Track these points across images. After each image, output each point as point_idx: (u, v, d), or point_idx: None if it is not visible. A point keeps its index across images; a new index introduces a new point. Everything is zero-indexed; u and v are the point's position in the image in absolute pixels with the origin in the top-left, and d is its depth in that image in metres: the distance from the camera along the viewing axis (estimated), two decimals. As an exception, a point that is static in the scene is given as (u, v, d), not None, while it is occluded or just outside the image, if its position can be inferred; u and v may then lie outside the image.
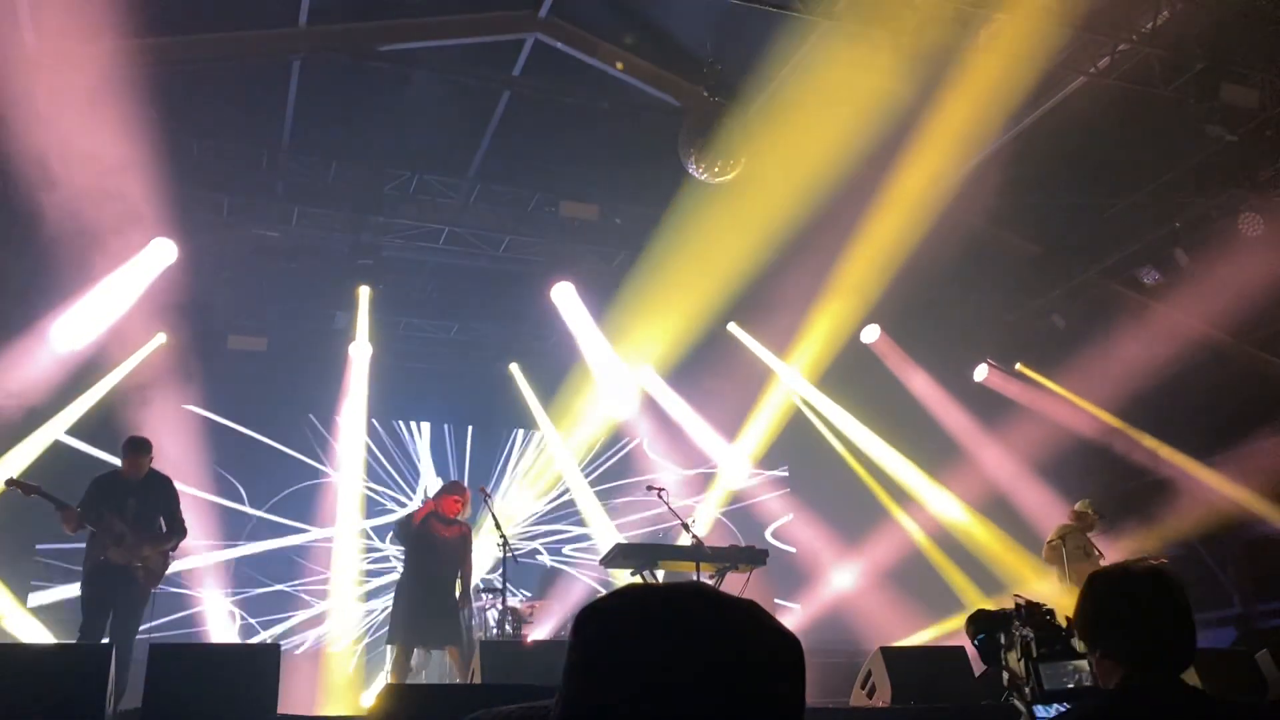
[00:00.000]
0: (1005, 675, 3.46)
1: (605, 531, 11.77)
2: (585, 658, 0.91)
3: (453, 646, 6.96)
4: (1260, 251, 8.00)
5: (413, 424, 12.20)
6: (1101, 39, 7.63)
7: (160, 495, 6.66)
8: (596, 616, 0.92)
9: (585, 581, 11.87)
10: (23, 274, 9.11)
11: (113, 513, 6.37)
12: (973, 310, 11.16)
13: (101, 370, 9.74)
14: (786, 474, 13.27)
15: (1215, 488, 9.07)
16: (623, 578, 8.78)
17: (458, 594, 7.07)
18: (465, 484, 7.86)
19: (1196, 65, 7.60)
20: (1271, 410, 8.55)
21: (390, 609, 7.19)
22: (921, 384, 11.38)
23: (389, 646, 7.06)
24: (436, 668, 7.67)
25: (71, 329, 9.14)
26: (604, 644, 0.90)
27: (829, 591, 11.69)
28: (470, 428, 12.45)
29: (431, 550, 7.05)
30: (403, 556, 7.36)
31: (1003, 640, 3.42)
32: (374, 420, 11.57)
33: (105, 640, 6.11)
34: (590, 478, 12.38)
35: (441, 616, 6.91)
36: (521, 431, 12.55)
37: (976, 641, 3.46)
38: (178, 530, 6.67)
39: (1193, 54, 7.59)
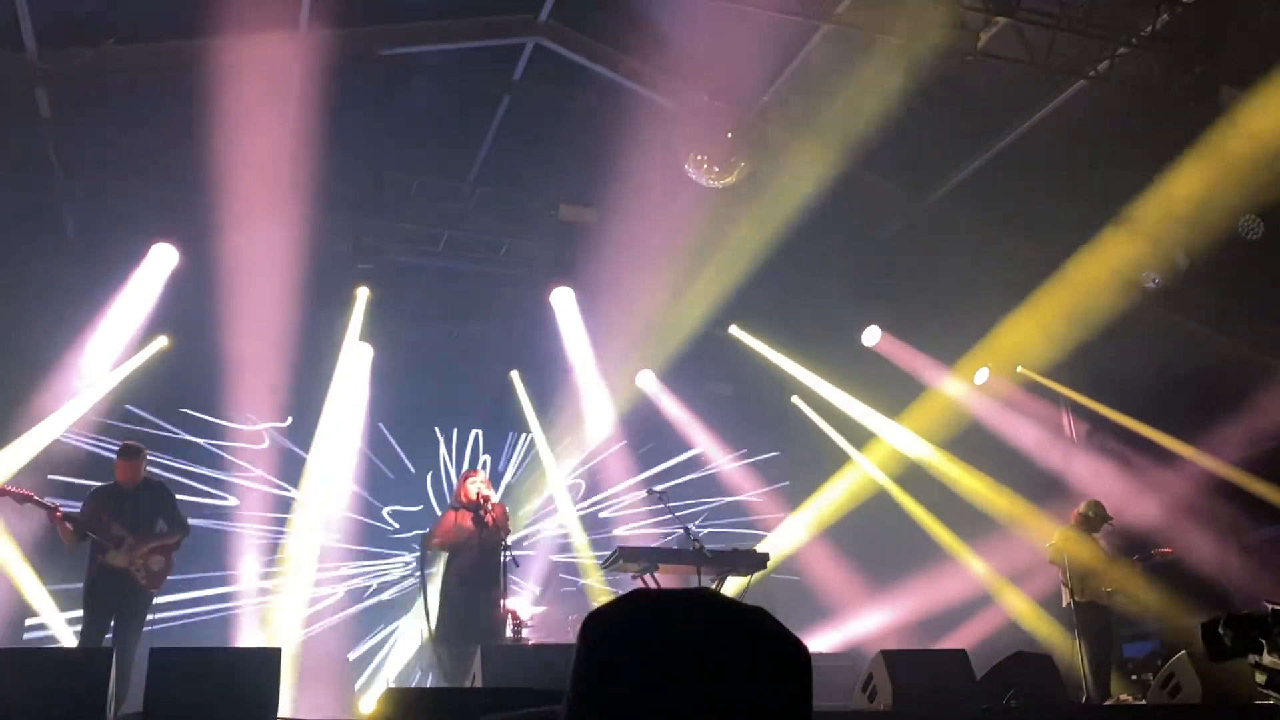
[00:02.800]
0: (1262, 675, 3.71)
1: (598, 535, 11.78)
2: (592, 662, 0.91)
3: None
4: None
5: (415, 427, 12.19)
6: (1101, 41, 7.64)
7: (157, 501, 6.74)
8: (603, 621, 0.93)
9: (585, 584, 11.87)
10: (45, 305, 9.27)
11: (112, 518, 6.42)
12: (973, 312, 11.15)
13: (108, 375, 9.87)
14: (787, 485, 13.25)
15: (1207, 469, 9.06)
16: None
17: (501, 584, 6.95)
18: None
19: (1196, 68, 7.61)
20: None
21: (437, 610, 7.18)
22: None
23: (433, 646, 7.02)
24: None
25: (96, 355, 9.31)
26: (610, 648, 0.90)
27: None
28: (472, 432, 12.45)
29: (460, 547, 7.05)
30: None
31: (1264, 642, 3.68)
32: (375, 424, 11.58)
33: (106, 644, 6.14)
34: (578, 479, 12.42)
35: (476, 611, 6.88)
36: (522, 435, 12.56)
37: (1229, 641, 3.70)
38: (179, 529, 6.73)
39: (1192, 57, 7.60)
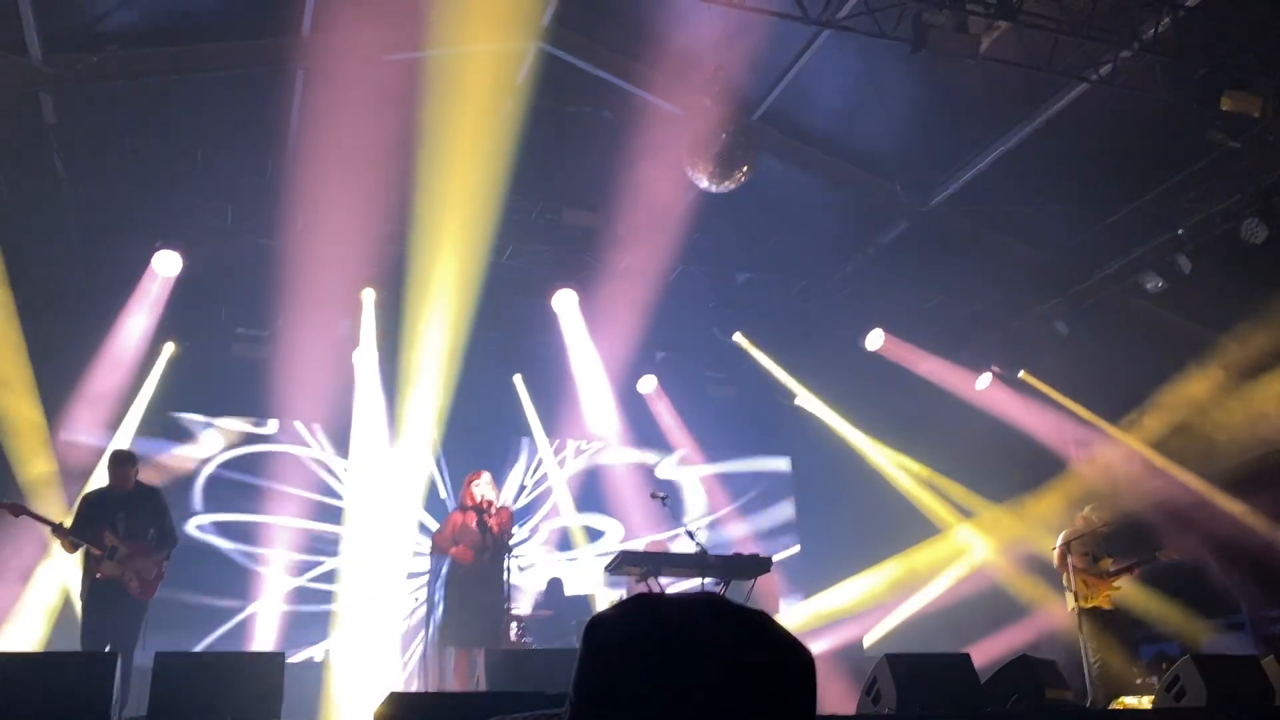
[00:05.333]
0: None
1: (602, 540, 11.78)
2: (595, 667, 0.91)
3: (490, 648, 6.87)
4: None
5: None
6: (1103, 45, 7.63)
7: (150, 507, 6.70)
8: (606, 625, 0.93)
9: (588, 588, 11.84)
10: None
11: (105, 527, 6.41)
12: (976, 316, 11.15)
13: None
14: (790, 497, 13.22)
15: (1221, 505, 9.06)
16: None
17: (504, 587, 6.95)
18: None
19: (1199, 71, 7.60)
20: None
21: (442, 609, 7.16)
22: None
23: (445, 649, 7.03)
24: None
25: (113, 367, 9.47)
26: (613, 653, 0.90)
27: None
28: (474, 435, 12.44)
29: (466, 547, 7.03)
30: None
31: None
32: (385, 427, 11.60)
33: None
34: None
35: (479, 615, 6.85)
36: (525, 439, 12.56)
37: None
38: (169, 540, 6.72)
39: (1195, 60, 7.59)
